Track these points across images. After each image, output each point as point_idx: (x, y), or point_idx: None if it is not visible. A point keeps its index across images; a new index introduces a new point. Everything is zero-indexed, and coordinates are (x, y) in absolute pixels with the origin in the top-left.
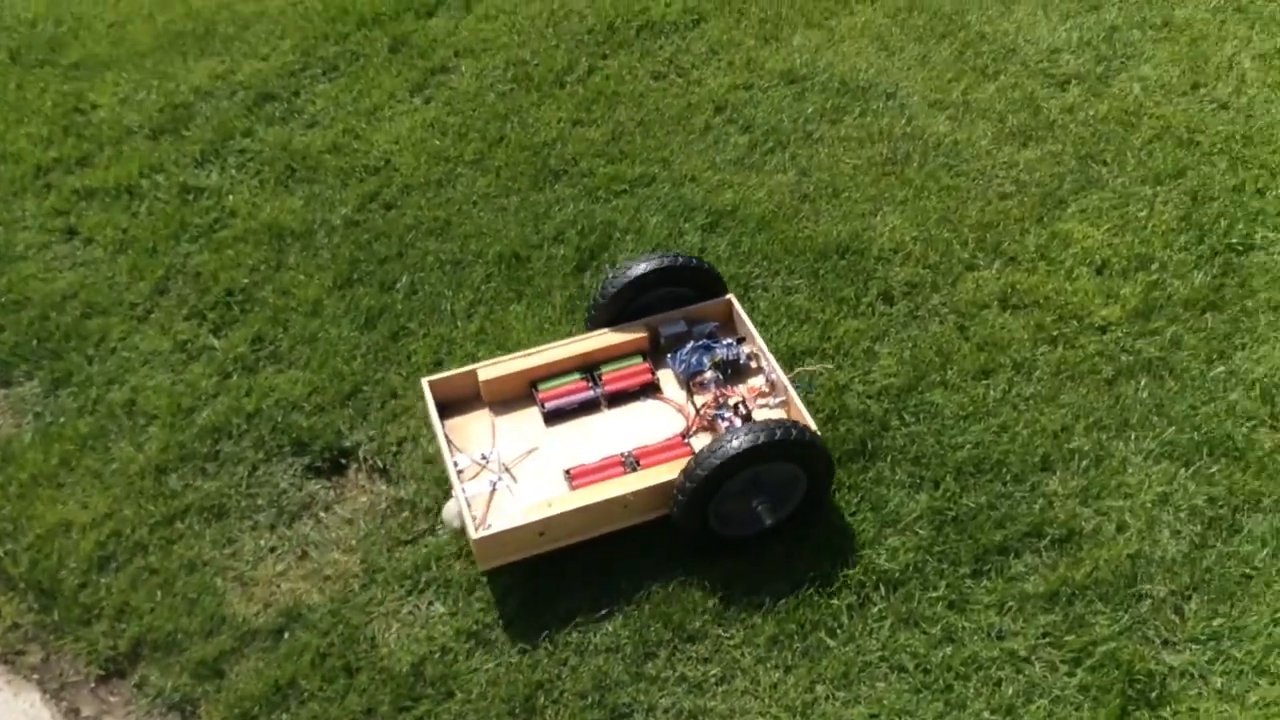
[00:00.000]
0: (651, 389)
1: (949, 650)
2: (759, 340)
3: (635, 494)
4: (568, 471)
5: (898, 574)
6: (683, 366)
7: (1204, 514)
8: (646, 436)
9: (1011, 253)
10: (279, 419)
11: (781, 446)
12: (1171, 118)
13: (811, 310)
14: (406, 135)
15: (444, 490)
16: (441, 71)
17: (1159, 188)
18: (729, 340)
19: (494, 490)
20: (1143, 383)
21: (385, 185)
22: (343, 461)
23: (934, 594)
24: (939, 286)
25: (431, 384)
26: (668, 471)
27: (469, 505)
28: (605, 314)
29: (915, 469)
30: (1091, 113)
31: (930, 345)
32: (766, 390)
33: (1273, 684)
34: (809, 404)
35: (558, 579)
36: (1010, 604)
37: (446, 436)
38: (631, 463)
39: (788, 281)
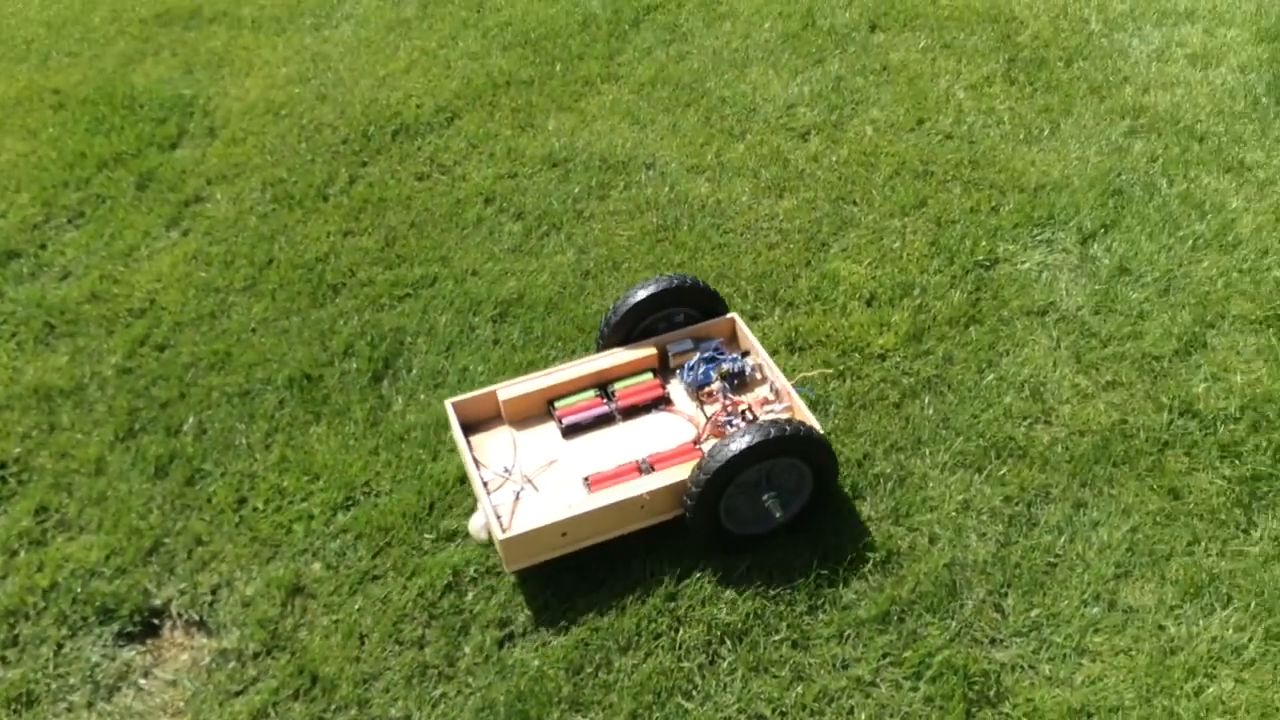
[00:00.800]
0: (663, 402)
1: (800, 689)
2: (762, 353)
3: (651, 494)
4: (586, 478)
5: (740, 624)
6: (691, 378)
7: (1003, 513)
8: (660, 445)
9: (789, 298)
10: (78, 589)
11: (784, 442)
12: (905, 153)
13: None
14: (169, 272)
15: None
16: (195, 202)
17: (906, 219)
18: (734, 354)
19: (518, 498)
20: (926, 401)
21: (154, 327)
22: (155, 622)
23: (777, 637)
24: None
25: (455, 405)
26: (680, 472)
27: (495, 512)
28: (615, 336)
29: None
30: (834, 158)
31: None
32: (772, 398)
33: (1094, 661)
34: (811, 407)
35: None
36: (848, 632)
37: (472, 453)
38: (646, 468)
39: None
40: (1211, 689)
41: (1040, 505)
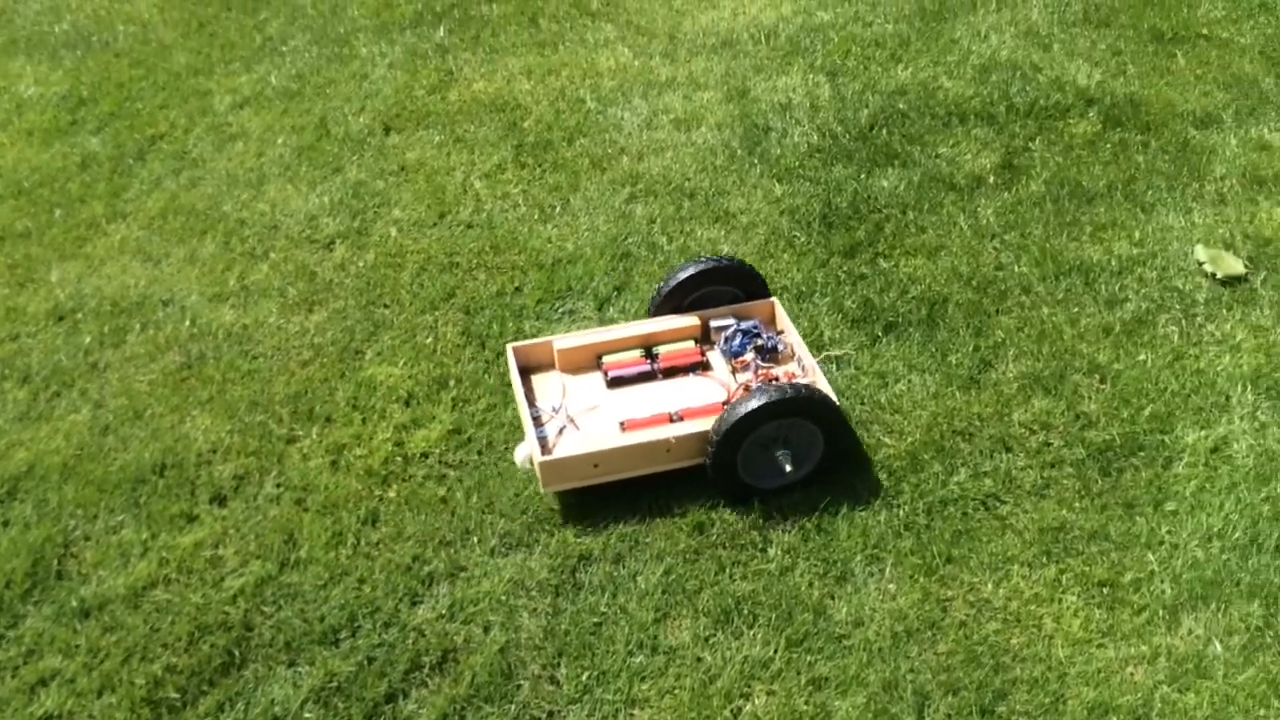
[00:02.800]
0: (701, 367)
1: None
2: (795, 334)
3: (676, 439)
4: (622, 422)
5: None
6: (728, 348)
7: (550, 584)
8: (692, 402)
9: (326, 414)
10: None
11: (797, 403)
12: (430, 249)
13: (146, 543)
14: None
15: None
16: None
17: (437, 313)
18: (770, 332)
19: (561, 432)
20: (471, 489)
21: None
22: None
23: None
24: (267, 470)
25: (515, 349)
26: (705, 424)
27: (538, 441)
28: (664, 307)
29: (289, 654)
30: (361, 264)
31: (275, 529)
32: (799, 373)
33: (643, 709)
34: (832, 381)
35: None
36: None
37: (525, 391)
38: (676, 418)
39: (110, 521)
40: (747, 707)
41: (584, 568)
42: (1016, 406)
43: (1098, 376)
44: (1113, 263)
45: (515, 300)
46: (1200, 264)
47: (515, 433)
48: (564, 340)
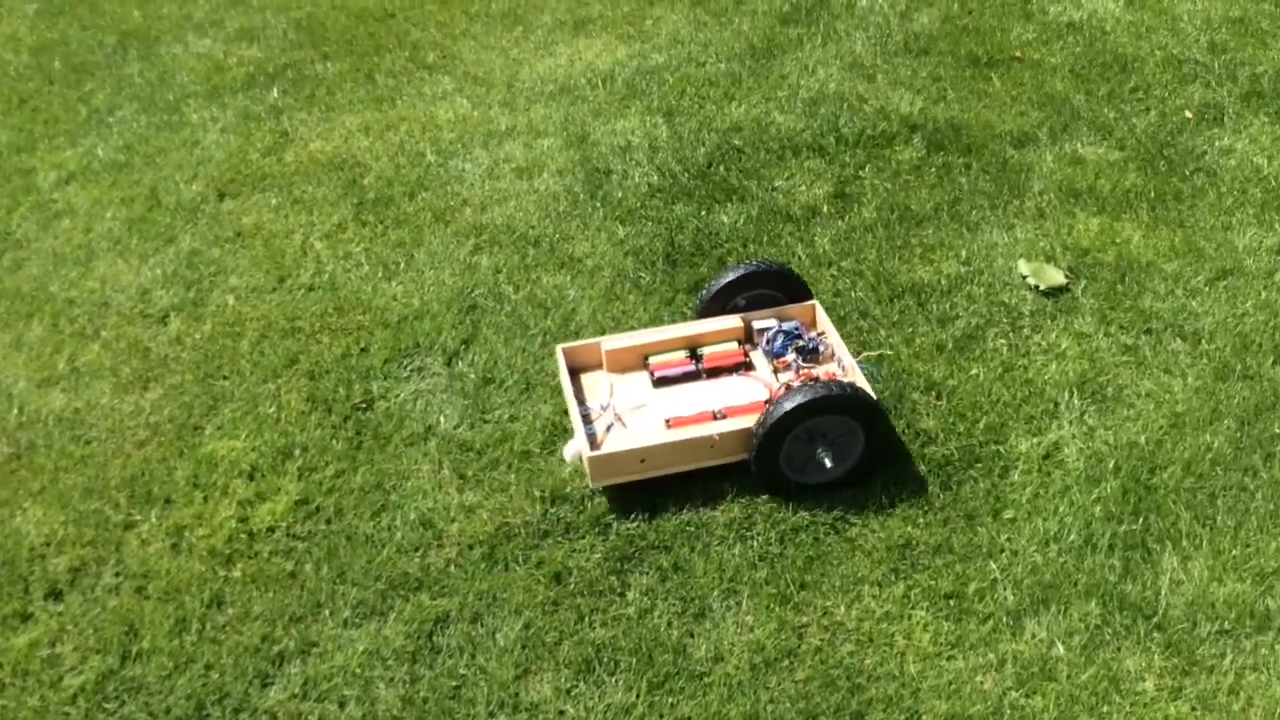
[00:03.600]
0: (744, 367)
1: None
2: (835, 335)
3: (721, 435)
4: (667, 420)
5: None
6: (770, 349)
7: (407, 651)
8: (736, 401)
9: (165, 495)
10: None
11: (838, 400)
12: (270, 315)
13: None
14: None
15: None
16: None
17: (279, 381)
18: (811, 334)
19: (609, 429)
20: (320, 561)
21: None
22: None
23: None
24: (105, 559)
25: (565, 350)
26: (748, 421)
27: (587, 437)
28: (710, 309)
29: None
30: (198, 336)
31: (115, 621)
32: (839, 373)
33: None
34: (871, 381)
35: None
36: None
37: (576, 388)
38: (720, 415)
39: None
40: None
41: (441, 631)
42: None
43: (934, 393)
44: (942, 282)
45: (361, 361)
46: (1024, 277)
47: (366, 497)
48: (612, 341)
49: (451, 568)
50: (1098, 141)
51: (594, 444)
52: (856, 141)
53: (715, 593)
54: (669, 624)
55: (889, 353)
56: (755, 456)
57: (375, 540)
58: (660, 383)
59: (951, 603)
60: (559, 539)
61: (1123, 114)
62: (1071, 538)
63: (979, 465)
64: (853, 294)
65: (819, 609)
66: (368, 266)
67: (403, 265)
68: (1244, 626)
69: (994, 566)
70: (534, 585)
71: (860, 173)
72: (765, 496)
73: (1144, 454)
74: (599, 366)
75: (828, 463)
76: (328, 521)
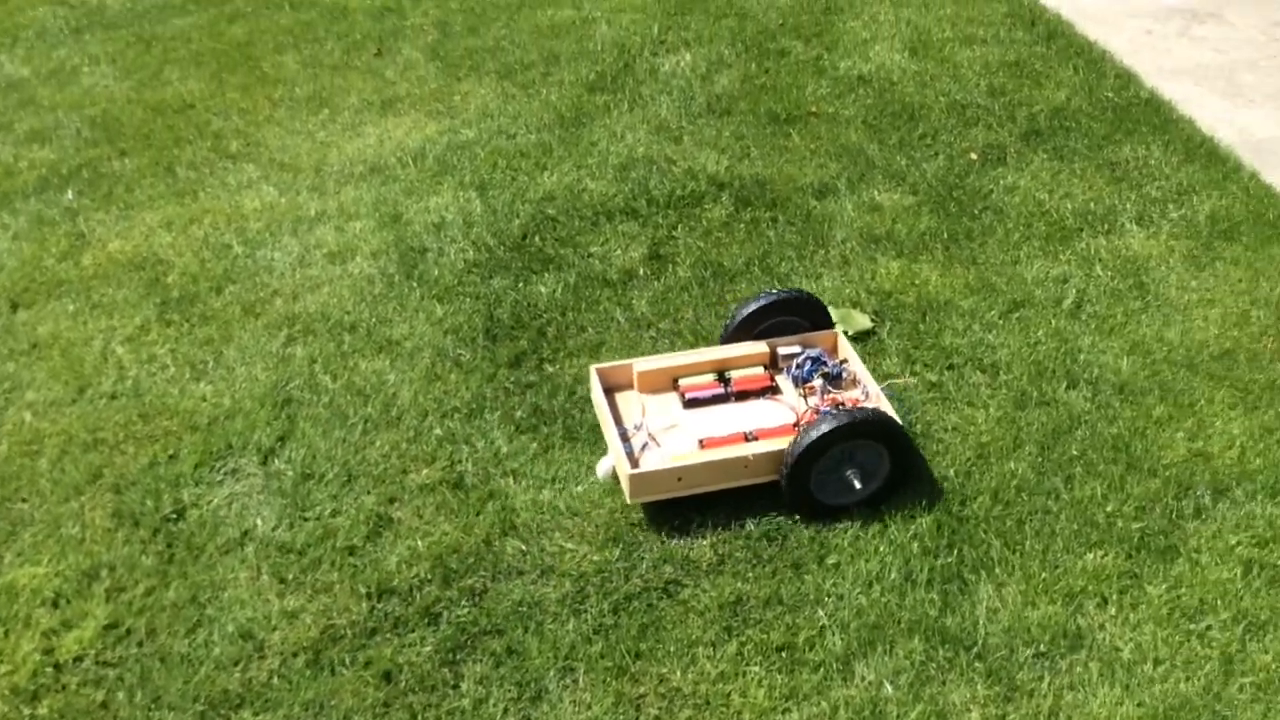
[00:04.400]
0: (771, 391)
1: None
2: (858, 362)
3: (754, 456)
4: (700, 440)
5: None
6: (797, 374)
7: None
8: (765, 424)
9: None
10: None
11: (865, 425)
12: (71, 428)
13: None
14: None
15: None
16: None
17: (83, 498)
18: (835, 360)
19: (644, 448)
20: (134, 688)
21: None
22: None
23: None
24: None
25: (599, 370)
26: (779, 444)
27: (625, 456)
28: (737, 334)
29: None
30: None
31: None
32: (863, 399)
33: None
34: (895, 406)
35: None
36: None
37: (610, 409)
38: (752, 437)
39: None
40: None
41: None
42: None
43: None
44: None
45: (170, 469)
46: (833, 325)
47: (180, 613)
48: (644, 363)
49: (275, 679)
50: (893, 188)
51: (632, 462)
52: (668, 202)
53: (551, 673)
54: (505, 711)
55: (914, 380)
56: (788, 477)
57: (191, 659)
58: (690, 404)
59: (784, 654)
60: (388, 635)
61: (914, 160)
62: (892, 576)
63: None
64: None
65: (655, 677)
66: (174, 368)
67: (211, 364)
68: (1058, 647)
69: (822, 613)
70: (363, 688)
71: (673, 233)
72: (596, 567)
73: (954, 486)
74: (630, 387)
75: (857, 484)
76: (139, 644)
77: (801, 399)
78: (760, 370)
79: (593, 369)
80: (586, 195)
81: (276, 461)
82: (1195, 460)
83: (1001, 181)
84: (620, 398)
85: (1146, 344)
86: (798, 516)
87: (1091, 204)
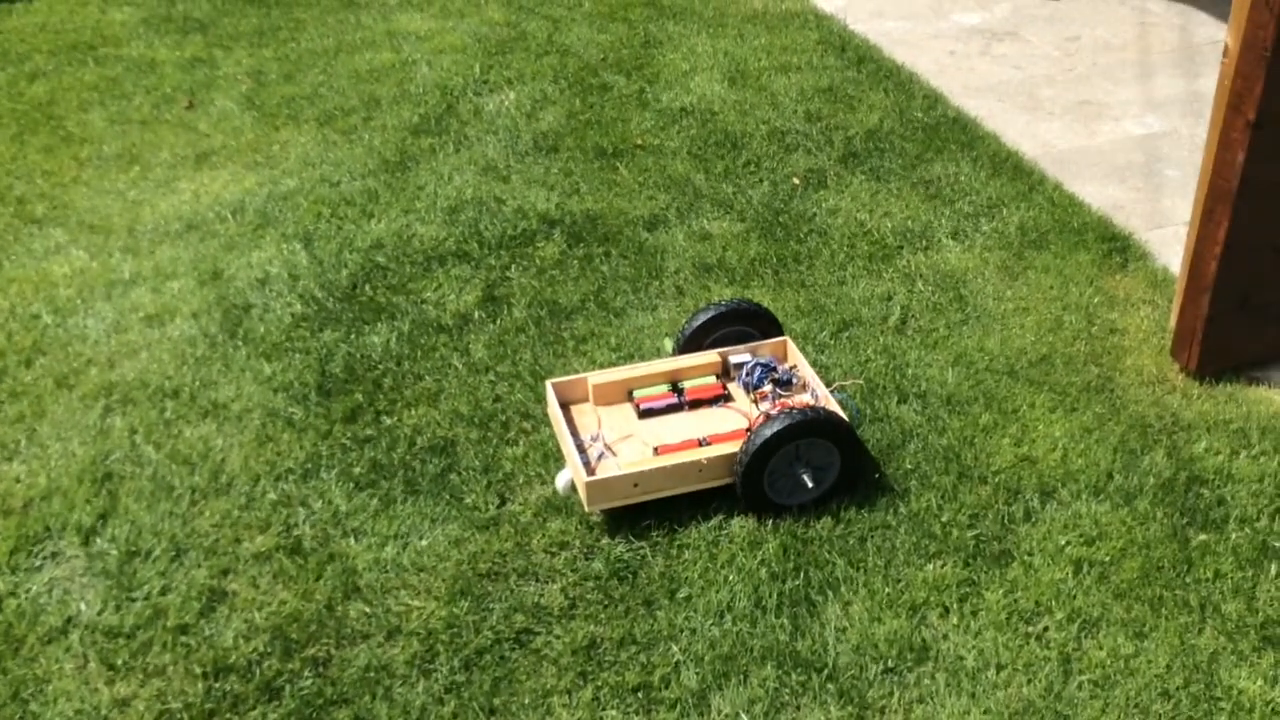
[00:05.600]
0: (723, 399)
1: None
2: (808, 368)
3: (708, 459)
4: (655, 448)
5: None
6: (748, 381)
7: None
8: (718, 430)
9: None
10: None
11: (814, 424)
12: None
13: None
14: None
15: None
16: None
17: None
18: (785, 366)
19: (601, 458)
20: None
21: None
22: None
23: None
24: None
25: (554, 385)
26: (732, 447)
27: (582, 465)
28: (689, 345)
29: None
30: None
31: None
32: (812, 401)
33: None
34: (844, 408)
35: None
36: None
37: (566, 421)
38: (705, 442)
39: None
40: None
41: None
42: (535, 533)
43: None
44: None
45: None
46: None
47: (1, 713)
48: (598, 376)
49: None
50: (721, 216)
51: (589, 470)
52: (499, 243)
53: None
54: None
55: (861, 381)
56: (741, 478)
57: None
58: (645, 414)
59: (640, 695)
60: (227, 716)
61: (739, 188)
62: (743, 604)
63: (654, 548)
64: (512, 397)
65: None
66: None
67: (23, 442)
68: (905, 661)
69: (676, 649)
70: None
71: (507, 274)
72: (445, 623)
73: (797, 508)
74: (586, 399)
75: (809, 483)
76: None
77: (753, 405)
78: (712, 379)
79: (548, 383)
80: (416, 240)
81: (99, 541)
82: (1022, 465)
83: (824, 204)
84: (576, 410)
85: (969, 355)
86: (646, 552)
87: (909, 222)
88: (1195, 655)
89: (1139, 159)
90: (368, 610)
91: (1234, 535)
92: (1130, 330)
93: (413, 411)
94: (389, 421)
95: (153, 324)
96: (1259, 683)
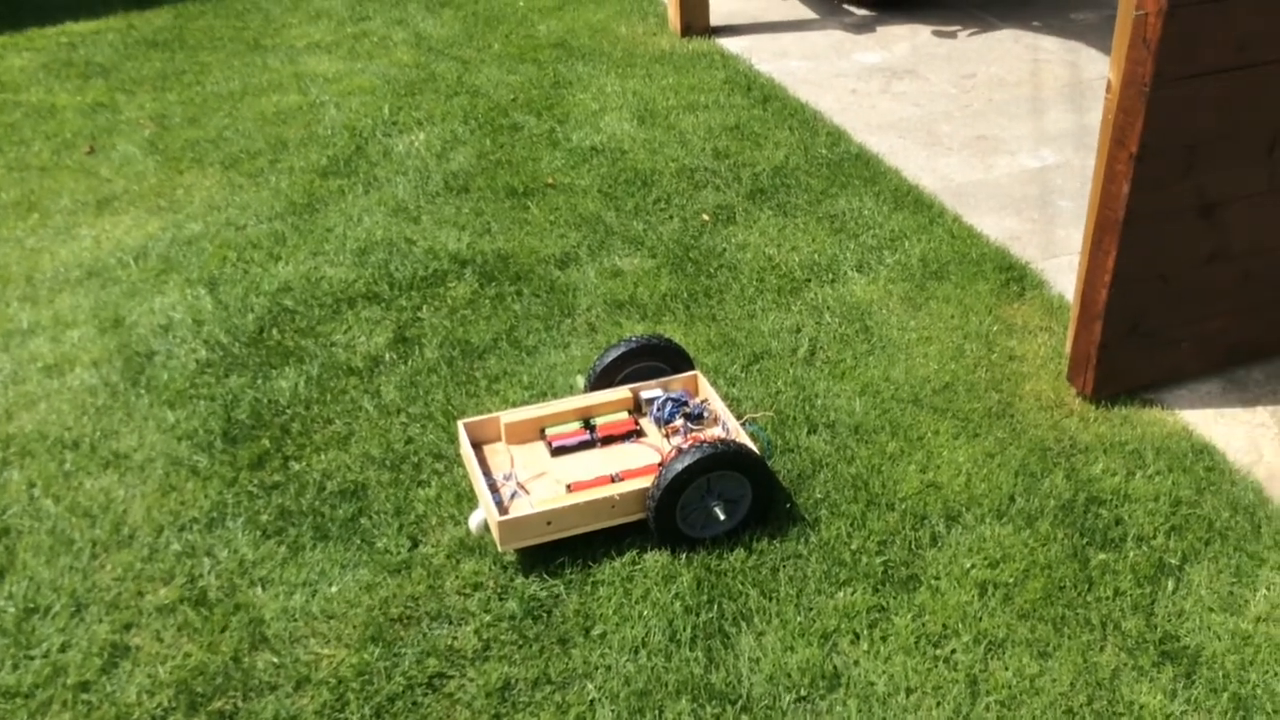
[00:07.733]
0: (635, 434)
1: None
2: (719, 402)
3: (621, 495)
4: (568, 485)
5: None
6: (659, 415)
7: None
8: (631, 465)
9: None
10: None
11: (725, 457)
12: None
13: None
14: None
15: None
16: None
17: None
18: (696, 400)
19: (513, 497)
20: None
21: None
22: None
23: None
24: None
25: (466, 425)
26: (644, 483)
27: (494, 505)
28: (601, 382)
29: None
30: None
31: None
32: (724, 434)
33: None
34: (755, 440)
35: None
36: None
37: (478, 461)
38: (617, 478)
39: None
40: None
41: None
42: (448, 575)
43: None
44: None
45: None
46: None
47: None
48: (511, 415)
49: None
50: (632, 253)
51: (501, 509)
52: (410, 284)
53: None
54: None
55: (771, 414)
56: (654, 512)
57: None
58: (558, 452)
59: None
60: None
61: (650, 224)
62: (657, 639)
63: (569, 586)
64: (424, 438)
65: None
66: None
67: None
68: (818, 689)
69: (591, 687)
70: None
71: (418, 314)
72: (356, 670)
73: (710, 540)
74: (499, 439)
75: (721, 515)
76: None
77: (665, 439)
78: (625, 415)
79: (460, 423)
80: (325, 283)
81: None
82: (928, 491)
83: (733, 240)
84: (489, 450)
85: (875, 384)
86: (560, 590)
87: (816, 255)
88: (1098, 672)
89: (1034, 191)
90: (276, 660)
91: (1132, 553)
92: (1028, 357)
93: (322, 456)
94: (297, 467)
95: (52, 374)
96: (1159, 697)
